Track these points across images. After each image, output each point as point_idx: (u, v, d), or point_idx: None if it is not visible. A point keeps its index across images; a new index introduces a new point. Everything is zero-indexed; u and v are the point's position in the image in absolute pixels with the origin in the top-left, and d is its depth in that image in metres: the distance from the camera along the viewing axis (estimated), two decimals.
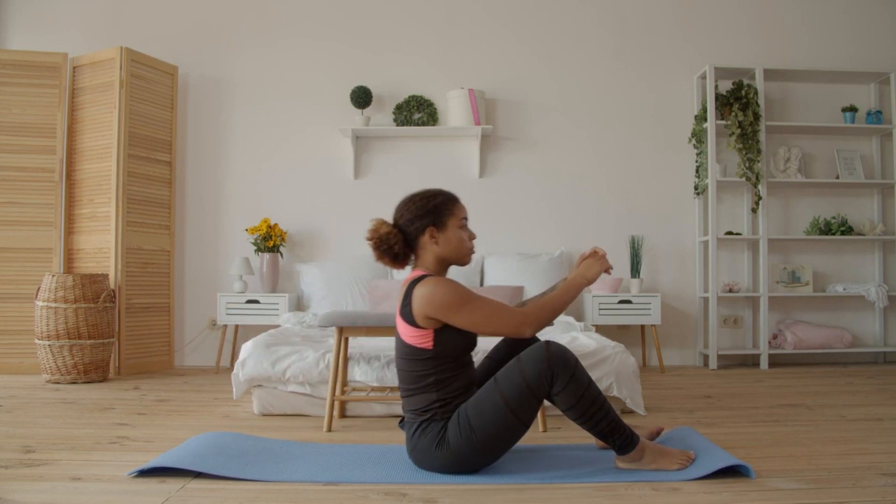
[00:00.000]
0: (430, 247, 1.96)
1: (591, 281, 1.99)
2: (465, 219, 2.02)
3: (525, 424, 1.86)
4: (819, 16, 4.79)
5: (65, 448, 2.25)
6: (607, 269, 2.02)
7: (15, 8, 4.73)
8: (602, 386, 2.79)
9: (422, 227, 1.95)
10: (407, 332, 1.91)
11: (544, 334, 3.31)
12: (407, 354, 1.92)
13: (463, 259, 2.01)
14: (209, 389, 3.56)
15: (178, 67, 4.62)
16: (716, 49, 4.72)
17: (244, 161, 4.68)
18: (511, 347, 2.14)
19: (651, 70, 4.73)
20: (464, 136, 4.64)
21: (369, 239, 1.97)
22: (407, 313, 1.89)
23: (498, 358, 2.13)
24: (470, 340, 1.95)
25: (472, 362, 2.01)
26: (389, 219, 2.05)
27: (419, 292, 1.86)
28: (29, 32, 4.69)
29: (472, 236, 2.02)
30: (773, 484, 1.83)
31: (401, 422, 2.05)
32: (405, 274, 4.34)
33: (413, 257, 2.01)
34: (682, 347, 4.67)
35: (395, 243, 1.95)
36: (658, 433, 2.22)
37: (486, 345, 2.85)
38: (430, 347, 1.88)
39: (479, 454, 1.86)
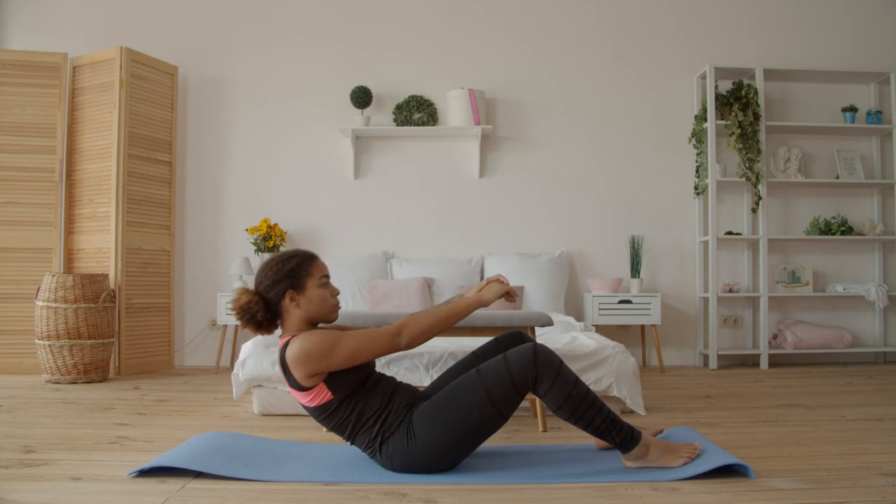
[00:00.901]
0: (293, 310, 1.94)
1: (485, 304, 1.97)
2: (326, 276, 1.99)
3: (504, 417, 1.89)
4: (819, 16, 4.79)
5: (65, 448, 2.25)
6: (509, 296, 2.00)
7: (15, 8, 4.73)
8: (602, 386, 2.80)
9: (281, 292, 1.93)
10: (304, 398, 1.91)
11: (545, 335, 3.31)
12: (319, 415, 1.93)
13: (327, 316, 1.98)
14: (209, 389, 3.56)
15: (178, 67, 4.62)
16: (716, 49, 4.72)
17: (244, 161, 4.68)
18: (500, 346, 2.14)
19: (651, 70, 4.73)
20: (464, 136, 4.64)
21: (231, 309, 1.95)
22: (292, 382, 1.89)
23: (482, 354, 2.14)
24: (364, 370, 1.94)
25: (380, 375, 2.01)
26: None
27: (290, 356, 1.86)
28: (29, 32, 4.69)
29: (334, 292, 1.99)
30: (773, 484, 1.83)
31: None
32: (405, 273, 4.34)
33: (279, 321, 1.99)
34: (682, 347, 4.67)
35: (256, 311, 1.93)
36: (657, 434, 2.22)
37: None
38: (332, 397, 1.89)
39: (457, 442, 1.87)
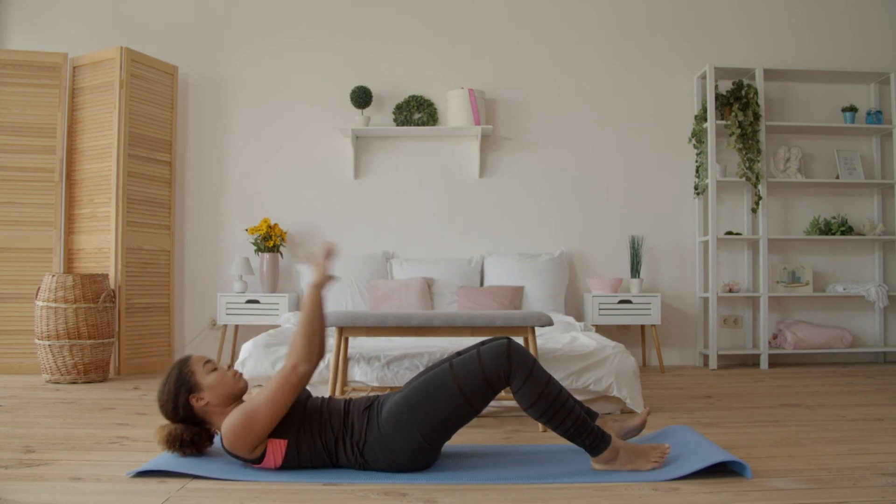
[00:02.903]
0: (206, 408, 1.94)
1: (318, 285, 1.95)
2: (209, 361, 1.98)
3: (475, 410, 1.90)
4: (819, 16, 4.79)
5: (65, 448, 2.25)
6: (329, 254, 1.97)
7: (15, 8, 4.73)
8: (602, 386, 2.79)
9: (185, 403, 1.93)
10: (272, 464, 1.90)
11: (545, 335, 3.31)
12: (293, 464, 1.91)
13: (236, 392, 1.96)
14: None
15: (178, 67, 4.62)
16: (716, 49, 4.72)
17: (244, 161, 4.68)
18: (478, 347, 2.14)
19: (651, 70, 4.73)
20: (464, 136, 4.64)
21: (163, 446, 1.95)
22: (246, 461, 1.90)
23: (462, 353, 2.13)
24: (293, 407, 1.91)
25: (318, 400, 1.99)
26: None
27: (226, 445, 1.85)
28: (29, 32, 4.69)
29: (224, 369, 1.98)
30: (772, 484, 1.83)
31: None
32: (405, 273, 4.34)
33: (208, 426, 1.99)
34: (682, 347, 4.67)
35: (183, 432, 1.94)
36: (643, 423, 2.19)
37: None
38: (287, 441, 1.88)
39: (428, 433, 1.87)
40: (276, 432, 1.88)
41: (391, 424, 1.88)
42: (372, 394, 2.10)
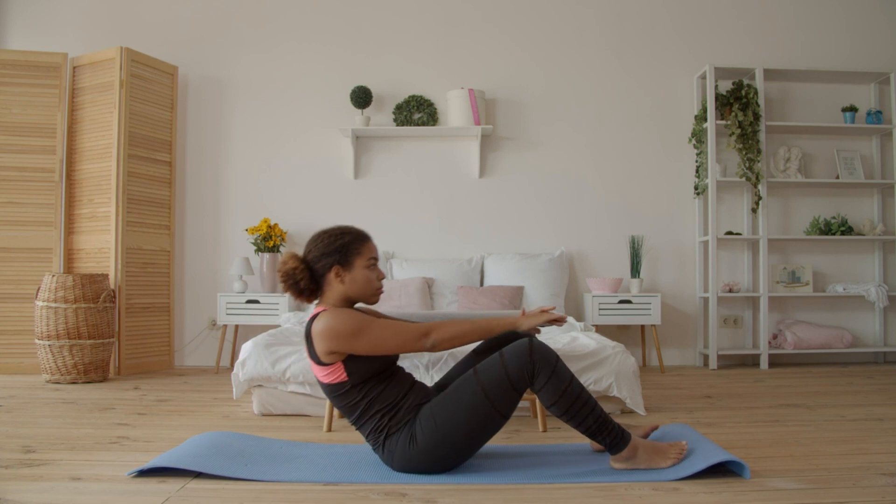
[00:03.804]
0: (336, 285, 1.96)
1: (519, 329, 2.00)
2: (374, 259, 2.00)
3: (504, 416, 1.88)
4: (819, 16, 4.79)
5: (65, 448, 2.25)
6: (554, 321, 2.02)
7: (15, 8, 4.73)
8: (602, 386, 2.79)
9: (328, 265, 1.94)
10: (320, 373, 1.92)
11: (545, 335, 3.31)
12: (331, 392, 1.93)
13: (369, 299, 2.00)
14: (209, 389, 3.56)
15: (178, 67, 4.62)
16: (716, 49, 4.72)
17: (244, 161, 4.68)
18: (497, 342, 2.14)
19: (651, 70, 4.73)
20: (464, 136, 4.64)
21: (278, 271, 1.97)
22: (312, 353, 1.90)
23: (482, 351, 2.13)
24: (383, 360, 1.94)
25: (398, 367, 2.02)
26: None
27: (316, 329, 1.87)
28: (29, 32, 4.69)
29: (380, 276, 2.01)
30: (772, 484, 1.83)
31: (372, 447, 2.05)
32: (405, 273, 4.34)
33: (319, 293, 2.00)
34: (682, 347, 4.67)
35: (300, 279, 1.94)
36: (652, 430, 2.21)
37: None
38: (346, 379, 1.89)
39: (457, 445, 1.86)
40: (350, 368, 1.88)
41: (422, 432, 1.86)
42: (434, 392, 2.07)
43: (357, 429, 1.97)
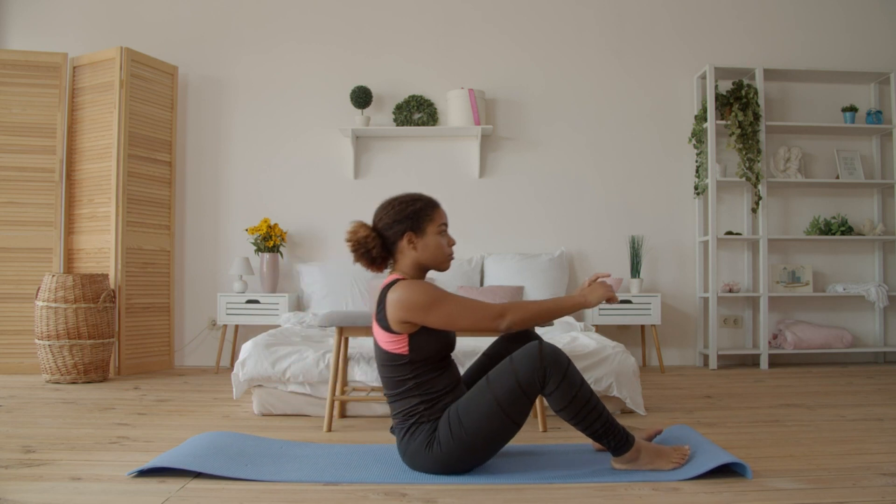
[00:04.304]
0: (408, 252, 1.96)
1: (591, 304, 1.94)
2: (445, 224, 2.02)
3: (517, 424, 1.86)
4: (819, 16, 4.79)
5: (65, 448, 2.25)
6: (611, 298, 1.97)
7: (15, 8, 4.73)
8: (602, 386, 2.80)
9: (400, 232, 1.95)
10: (383, 338, 1.92)
11: (545, 335, 3.31)
12: (385, 360, 1.93)
13: (441, 265, 2.00)
14: (209, 389, 3.56)
15: (178, 67, 4.62)
16: (716, 49, 4.72)
17: (244, 161, 4.68)
18: (507, 342, 2.14)
19: (651, 70, 4.73)
20: (464, 136, 4.64)
21: (348, 241, 1.97)
22: (382, 318, 1.90)
23: (493, 353, 2.13)
24: (446, 343, 1.94)
25: (452, 362, 2.02)
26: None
27: (392, 296, 1.87)
28: (29, 32, 4.69)
29: (451, 242, 2.02)
30: (773, 484, 1.83)
31: (392, 427, 2.05)
32: None
33: (391, 261, 2.01)
34: (682, 347, 4.67)
35: (372, 247, 1.94)
36: (656, 434, 2.22)
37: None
38: (406, 353, 1.89)
39: (472, 453, 1.86)
40: (414, 344, 1.88)
41: (439, 437, 1.86)
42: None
43: (391, 402, 1.96)
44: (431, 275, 2.96)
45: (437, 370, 1.92)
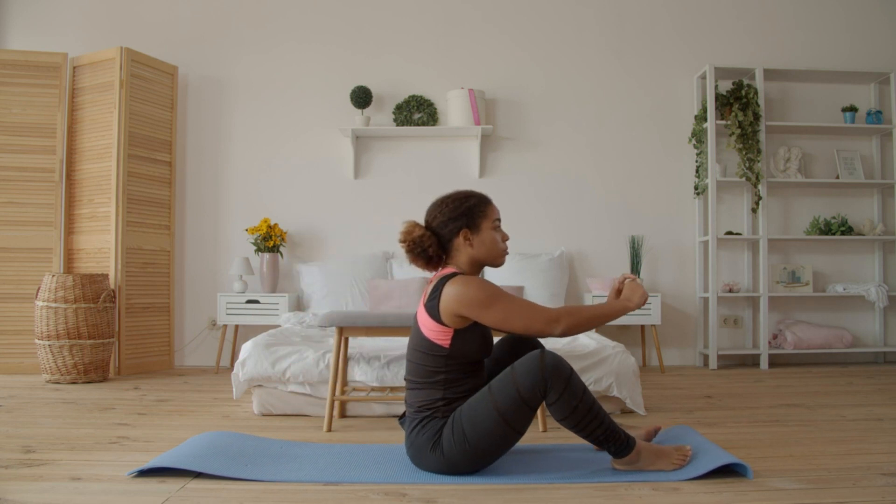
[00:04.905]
0: (464, 249, 1.96)
1: (636, 306, 1.94)
2: (499, 220, 2.01)
3: (519, 433, 1.86)
4: (819, 16, 4.79)
5: (65, 448, 2.25)
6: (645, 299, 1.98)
7: (15, 8, 4.73)
8: (602, 386, 2.80)
9: (455, 230, 1.95)
10: (428, 326, 1.91)
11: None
12: (422, 347, 1.92)
13: (497, 260, 2.00)
14: (209, 389, 3.56)
15: (178, 67, 4.62)
16: (716, 49, 4.72)
17: (244, 161, 4.68)
18: (508, 347, 2.14)
19: (651, 70, 4.73)
20: (464, 136, 4.64)
21: (402, 241, 1.96)
22: (433, 307, 1.89)
23: (496, 357, 2.13)
24: (485, 346, 1.94)
25: (483, 367, 2.01)
26: (420, 220, 2.03)
27: (450, 290, 1.86)
28: (29, 32, 4.69)
29: (505, 237, 2.02)
30: (772, 484, 1.83)
31: (401, 417, 2.05)
32: (405, 273, 4.34)
33: (445, 258, 2.01)
34: (682, 347, 4.67)
35: (428, 246, 1.95)
36: (655, 432, 2.22)
37: None
38: (447, 346, 1.89)
39: (473, 459, 1.86)
40: (457, 339, 1.87)
41: (445, 441, 1.85)
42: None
43: (409, 389, 1.95)
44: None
45: (467, 372, 1.92)
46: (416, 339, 1.96)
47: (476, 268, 2.00)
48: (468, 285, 1.85)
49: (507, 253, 2.04)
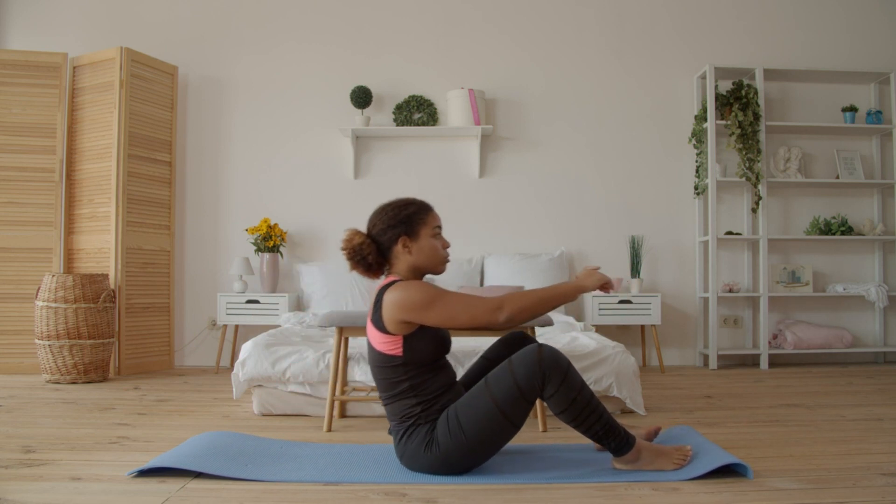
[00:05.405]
0: (404, 256, 1.96)
1: (586, 289, 1.94)
2: (439, 227, 2.01)
3: (516, 426, 1.86)
4: (819, 16, 4.79)
5: (65, 448, 2.25)
6: (606, 286, 1.97)
7: (15, 8, 4.73)
8: (602, 386, 2.80)
9: (394, 237, 1.95)
10: (377, 339, 1.92)
11: (545, 335, 3.31)
12: (379, 362, 1.93)
13: (437, 268, 2.00)
14: (209, 389, 3.56)
15: (178, 67, 4.62)
16: (716, 49, 4.72)
17: (244, 161, 4.68)
18: (506, 347, 2.14)
19: (651, 70, 4.73)
20: (464, 136, 4.64)
21: (343, 249, 1.97)
22: (377, 319, 1.90)
23: (492, 357, 2.13)
24: (441, 345, 1.94)
25: (447, 363, 2.02)
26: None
27: (389, 297, 1.87)
28: (29, 32, 4.69)
29: (445, 245, 2.01)
30: (772, 484, 1.83)
31: (390, 429, 2.05)
32: None
33: (387, 266, 2.01)
34: (682, 347, 4.67)
35: (368, 253, 1.95)
36: (656, 433, 2.22)
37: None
38: (400, 354, 1.89)
39: (470, 454, 1.86)
40: (408, 345, 1.87)
41: (437, 439, 1.85)
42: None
43: (385, 405, 1.96)
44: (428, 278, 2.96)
45: (431, 371, 1.92)
46: (371, 355, 1.97)
47: (416, 275, 2.00)
48: (406, 289, 1.85)
49: (448, 260, 2.04)
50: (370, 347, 1.96)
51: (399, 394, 1.91)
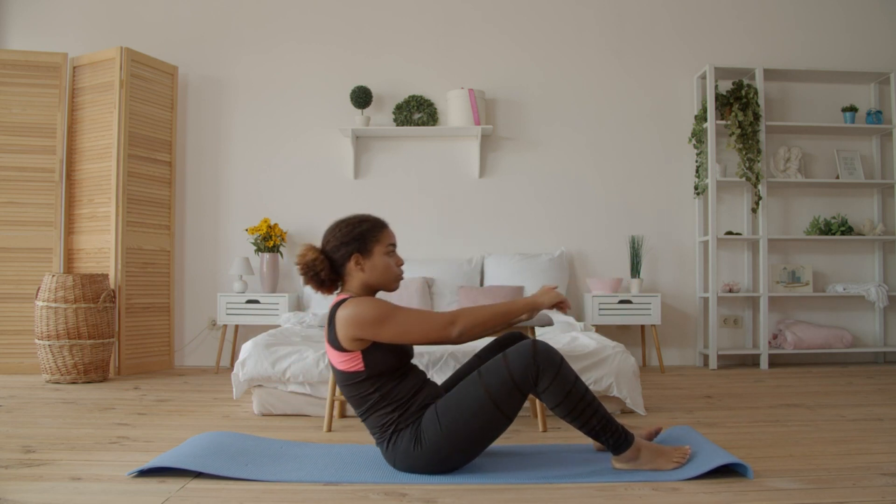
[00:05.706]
0: (356, 273, 1.97)
1: (541, 306, 1.96)
2: (393, 245, 2.02)
3: (508, 418, 1.87)
4: (819, 16, 4.79)
5: (65, 448, 2.25)
6: (561, 305, 1.99)
7: (15, 8, 4.73)
8: (602, 386, 2.80)
9: (347, 254, 1.96)
10: (337, 358, 1.92)
11: (545, 335, 3.31)
12: (344, 380, 1.93)
13: (389, 285, 2.01)
14: (209, 389, 3.56)
15: (178, 67, 4.62)
16: (716, 49, 4.72)
17: (244, 161, 4.68)
18: (502, 348, 2.14)
19: (651, 70, 4.73)
20: (464, 136, 4.64)
21: (297, 264, 1.99)
22: (333, 338, 1.90)
23: (486, 356, 2.14)
24: (401, 355, 1.94)
25: (413, 365, 2.02)
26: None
27: (342, 314, 1.87)
28: (29, 32, 4.69)
29: (399, 262, 2.02)
30: (772, 484, 1.83)
31: (376, 442, 2.05)
32: (405, 273, 4.33)
33: (340, 283, 2.01)
34: (682, 347, 4.67)
35: (320, 269, 1.96)
36: (657, 433, 2.22)
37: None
38: (362, 369, 1.89)
39: (461, 448, 1.86)
40: (368, 359, 1.87)
41: (427, 434, 1.85)
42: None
43: (363, 420, 1.96)
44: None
45: (397, 378, 1.92)
46: (336, 375, 1.97)
47: (369, 292, 2.00)
48: (358, 306, 1.86)
49: (402, 278, 2.05)
50: (332, 367, 1.97)
51: (371, 407, 1.91)
